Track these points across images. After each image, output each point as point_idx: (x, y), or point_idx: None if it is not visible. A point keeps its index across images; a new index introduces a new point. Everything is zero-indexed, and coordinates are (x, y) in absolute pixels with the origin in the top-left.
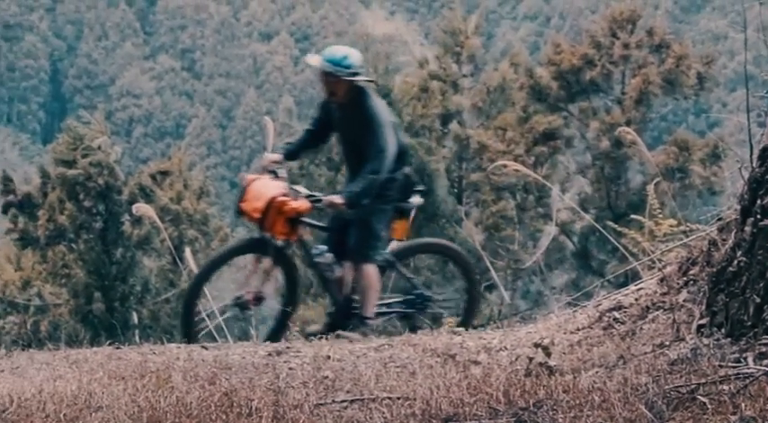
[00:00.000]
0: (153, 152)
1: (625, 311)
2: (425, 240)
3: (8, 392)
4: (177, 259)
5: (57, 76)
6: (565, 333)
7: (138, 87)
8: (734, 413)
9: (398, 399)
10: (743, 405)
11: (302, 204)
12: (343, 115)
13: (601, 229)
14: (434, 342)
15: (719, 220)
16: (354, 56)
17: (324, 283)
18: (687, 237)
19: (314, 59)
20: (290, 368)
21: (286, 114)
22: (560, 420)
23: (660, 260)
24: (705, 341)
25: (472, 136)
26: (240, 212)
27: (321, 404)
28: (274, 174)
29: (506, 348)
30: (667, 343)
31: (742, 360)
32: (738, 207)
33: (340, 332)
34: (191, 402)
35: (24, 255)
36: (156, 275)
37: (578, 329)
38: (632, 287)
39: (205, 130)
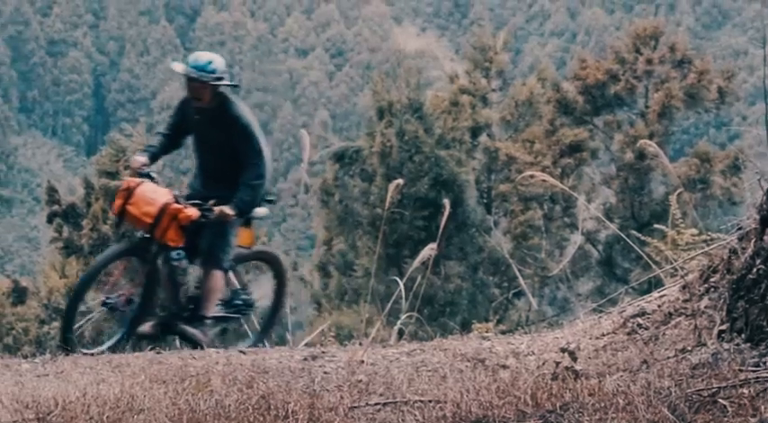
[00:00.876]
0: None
1: (648, 317)
2: (260, 248)
3: (53, 396)
4: None
5: (100, 91)
6: (590, 338)
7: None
8: (753, 415)
9: (430, 402)
10: (762, 408)
11: (194, 212)
12: (206, 120)
13: (625, 238)
14: (464, 347)
15: (739, 229)
16: (218, 61)
17: (171, 284)
18: (708, 245)
19: (178, 66)
20: (325, 372)
21: (321, 127)
22: (586, 422)
23: (682, 268)
24: (725, 346)
25: (501, 148)
26: (122, 215)
27: (355, 407)
28: (150, 177)
29: (534, 353)
30: (689, 348)
31: (761, 364)
32: (758, 217)
33: (186, 330)
34: (229, 405)
35: (69, 263)
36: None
37: (603, 335)
38: (655, 294)
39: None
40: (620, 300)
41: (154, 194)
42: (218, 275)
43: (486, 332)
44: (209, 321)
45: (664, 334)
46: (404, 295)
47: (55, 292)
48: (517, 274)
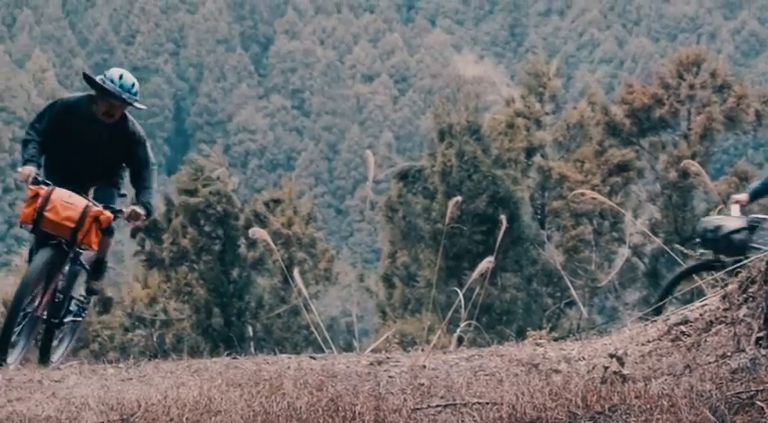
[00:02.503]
0: (266, 182)
1: (691, 325)
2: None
3: (136, 398)
4: (288, 278)
5: (180, 114)
6: (637, 345)
7: (253, 124)
8: None
9: (487, 404)
10: None
11: (110, 214)
12: (104, 132)
13: (669, 251)
14: (519, 353)
15: None
16: (136, 82)
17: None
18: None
19: (109, 85)
20: (390, 376)
21: (386, 148)
22: None
23: (722, 279)
24: (763, 352)
25: (554, 167)
26: (37, 222)
27: (418, 409)
28: (47, 184)
29: (584, 358)
30: (729, 353)
31: None
32: None
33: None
34: (300, 407)
35: (151, 274)
36: (268, 293)
37: (649, 341)
38: (697, 303)
39: (313, 162)
40: (665, 309)
41: (71, 199)
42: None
43: (540, 339)
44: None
45: (705, 341)
46: (463, 305)
47: (138, 301)
48: (569, 284)
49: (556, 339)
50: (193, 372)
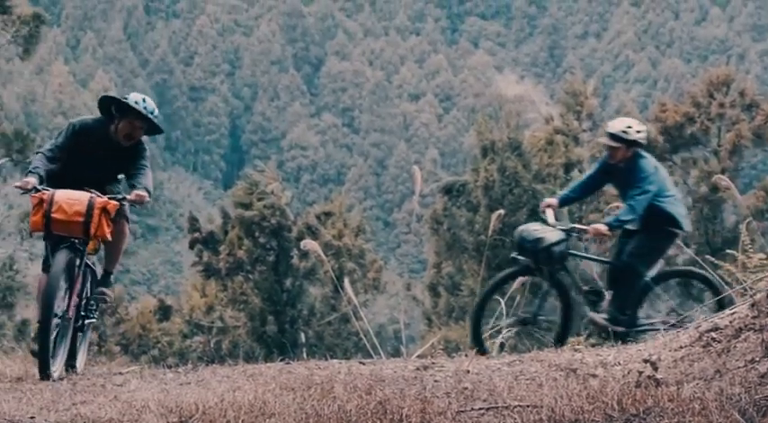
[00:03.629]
0: (318, 196)
1: (721, 332)
2: None
3: (194, 401)
4: (338, 288)
5: (235, 131)
6: (670, 350)
7: (305, 141)
8: None
9: (528, 406)
10: None
11: (116, 203)
12: (117, 152)
13: (701, 261)
14: (558, 358)
15: None
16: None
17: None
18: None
19: (137, 106)
20: (435, 381)
21: (431, 164)
22: None
23: (751, 288)
24: None
25: None
26: (47, 226)
27: (462, 411)
28: (46, 190)
29: (620, 364)
30: (757, 359)
31: None
32: None
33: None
34: (350, 410)
35: (208, 284)
36: (320, 301)
37: (681, 347)
38: (727, 311)
39: (362, 177)
40: (696, 317)
41: (74, 195)
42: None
43: (578, 345)
44: None
45: (735, 346)
46: (505, 313)
47: (196, 309)
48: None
49: (593, 346)
50: (248, 376)
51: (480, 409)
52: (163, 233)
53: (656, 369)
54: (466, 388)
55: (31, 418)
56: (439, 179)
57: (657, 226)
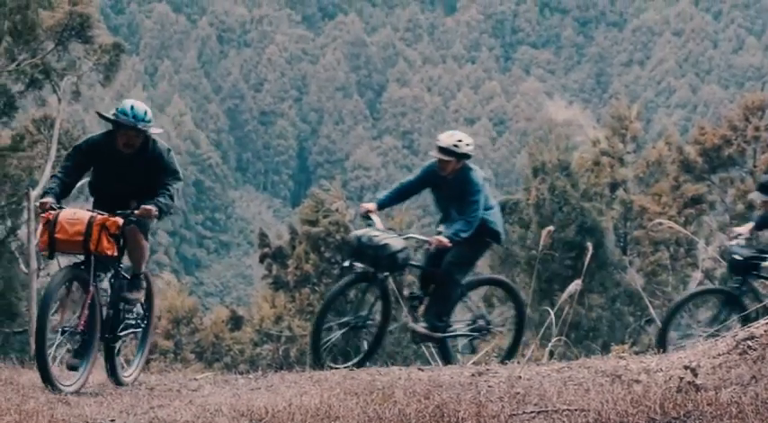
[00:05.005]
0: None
1: (757, 340)
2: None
3: (264, 405)
4: (399, 298)
5: (303, 153)
6: (708, 358)
7: (368, 161)
8: None
9: (576, 410)
10: None
11: (119, 220)
12: (130, 160)
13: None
14: (604, 365)
15: None
16: (148, 109)
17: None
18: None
19: (123, 119)
20: (489, 386)
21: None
22: None
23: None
24: None
25: (635, 200)
26: (52, 246)
27: (514, 415)
28: (59, 208)
29: (662, 370)
30: None
31: None
32: None
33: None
34: (410, 414)
35: (277, 295)
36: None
37: (719, 355)
38: (762, 321)
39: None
40: (733, 326)
41: (75, 215)
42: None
43: (623, 353)
44: None
45: None
46: (554, 322)
47: (266, 319)
48: (648, 304)
49: (636, 353)
50: (315, 382)
51: (531, 412)
52: (235, 248)
53: (695, 375)
54: (518, 393)
55: (112, 420)
56: (494, 197)
57: (479, 237)
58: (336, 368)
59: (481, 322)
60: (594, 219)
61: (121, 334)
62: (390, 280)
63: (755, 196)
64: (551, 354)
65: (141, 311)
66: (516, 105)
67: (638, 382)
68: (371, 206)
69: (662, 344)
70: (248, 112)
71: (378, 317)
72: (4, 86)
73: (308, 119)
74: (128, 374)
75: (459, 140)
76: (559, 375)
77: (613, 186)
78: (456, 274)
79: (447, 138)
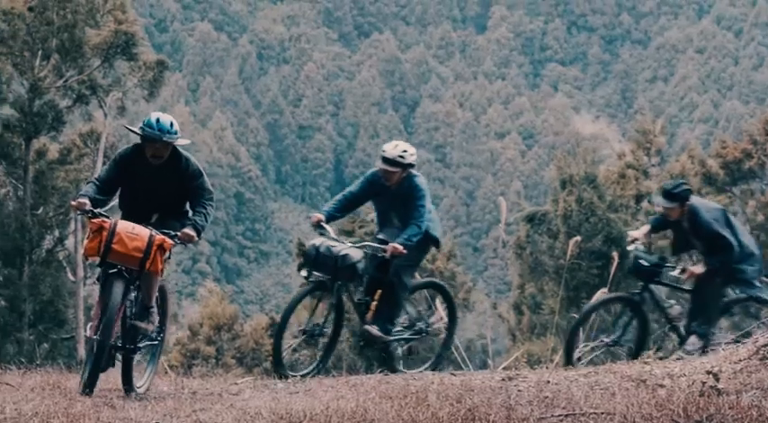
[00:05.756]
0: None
1: None
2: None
3: (302, 409)
4: (432, 306)
5: (339, 166)
6: (730, 363)
7: None
8: None
9: (602, 413)
10: None
11: (171, 241)
12: (159, 173)
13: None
14: (630, 370)
15: None
16: (175, 121)
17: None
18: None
19: (149, 131)
20: (519, 390)
21: (515, 195)
22: None
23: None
24: None
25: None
26: (105, 254)
27: (542, 418)
28: (105, 216)
29: (685, 375)
30: None
31: None
32: None
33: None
34: (442, 417)
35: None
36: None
37: (740, 360)
38: None
39: (453, 207)
40: (754, 332)
41: (135, 230)
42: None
43: (647, 359)
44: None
45: None
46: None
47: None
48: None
49: (661, 359)
50: (351, 386)
51: (559, 415)
52: (274, 257)
53: (717, 380)
54: (546, 397)
55: None
56: (522, 209)
57: (422, 242)
58: (295, 376)
59: (421, 325)
60: (620, 229)
61: (140, 346)
62: (344, 288)
63: (659, 201)
64: (579, 359)
65: (158, 324)
66: (545, 120)
67: (662, 386)
68: (321, 217)
69: (569, 353)
70: (287, 126)
71: (331, 325)
72: (52, 102)
73: (344, 133)
74: (139, 385)
75: (405, 151)
76: (586, 380)
77: (638, 198)
78: (405, 278)
79: (392, 149)
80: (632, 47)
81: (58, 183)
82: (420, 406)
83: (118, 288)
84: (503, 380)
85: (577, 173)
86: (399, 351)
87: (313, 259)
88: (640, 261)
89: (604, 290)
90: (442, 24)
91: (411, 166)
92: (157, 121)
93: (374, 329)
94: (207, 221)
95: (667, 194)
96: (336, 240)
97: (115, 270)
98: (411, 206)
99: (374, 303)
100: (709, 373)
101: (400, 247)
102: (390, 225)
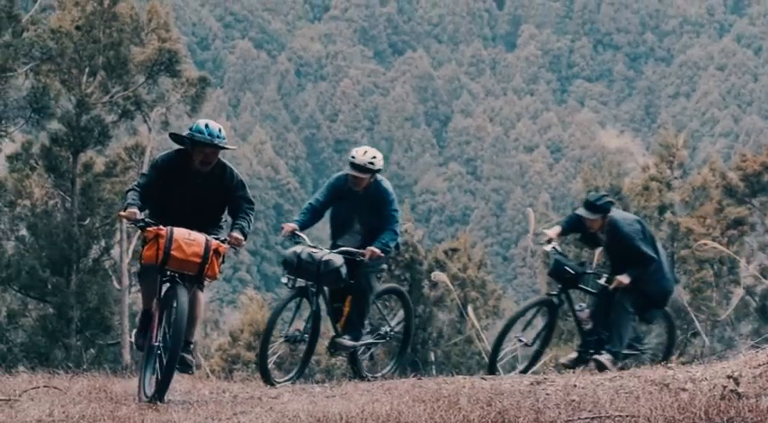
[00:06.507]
0: (445, 234)
1: None
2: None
3: (338, 412)
4: (463, 313)
5: None
6: (750, 368)
7: (435, 186)
8: None
9: (627, 416)
10: None
11: (225, 246)
12: (202, 181)
13: None
14: (653, 374)
15: None
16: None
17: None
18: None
19: (200, 136)
20: (547, 394)
21: (543, 206)
22: None
23: None
24: None
25: (681, 222)
26: (165, 261)
27: (570, 420)
28: (147, 224)
29: (706, 379)
30: None
31: None
32: None
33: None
34: (473, 419)
35: None
36: (447, 326)
37: (760, 365)
38: None
39: (484, 218)
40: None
41: (191, 236)
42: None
43: (670, 364)
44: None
45: None
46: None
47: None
48: (694, 318)
49: (683, 364)
50: (385, 390)
51: (586, 418)
52: None
53: (737, 384)
54: (573, 400)
55: None
56: (550, 220)
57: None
58: (280, 383)
59: (385, 329)
60: None
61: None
62: (322, 295)
63: (582, 212)
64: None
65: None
66: (572, 134)
67: (684, 390)
68: (295, 226)
69: (493, 360)
70: (324, 140)
71: (309, 331)
72: (98, 117)
73: (379, 146)
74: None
75: (374, 157)
76: (612, 384)
77: (662, 209)
78: (373, 284)
79: (362, 155)
80: (656, 64)
81: (104, 194)
82: (452, 409)
83: (183, 296)
84: (531, 384)
85: (603, 185)
86: (364, 356)
87: (295, 266)
88: (566, 267)
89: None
90: (473, 42)
91: (378, 171)
92: (206, 126)
93: (346, 341)
94: (250, 228)
95: (591, 206)
96: (315, 247)
97: (170, 277)
98: (383, 212)
99: (346, 310)
100: (729, 377)
101: (378, 251)
102: (350, 230)
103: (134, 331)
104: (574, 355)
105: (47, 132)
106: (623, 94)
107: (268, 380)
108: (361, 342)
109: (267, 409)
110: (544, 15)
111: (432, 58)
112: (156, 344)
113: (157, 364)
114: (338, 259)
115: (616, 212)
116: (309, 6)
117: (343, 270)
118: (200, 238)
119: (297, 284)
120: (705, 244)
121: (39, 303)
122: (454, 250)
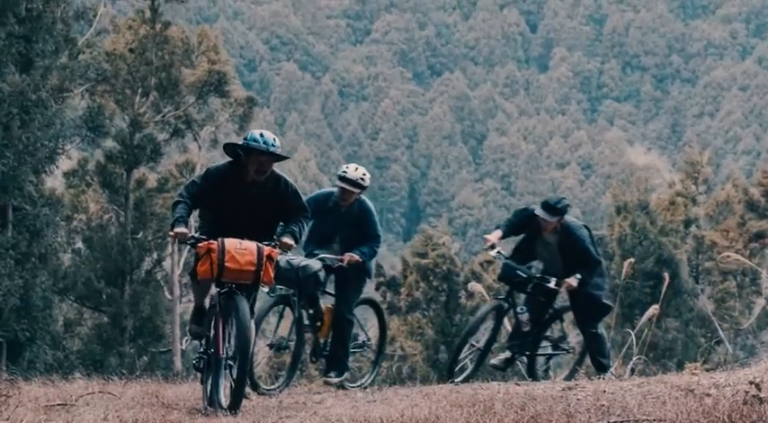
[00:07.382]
0: (481, 247)
1: None
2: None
3: (379, 416)
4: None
5: (413, 194)
6: None
7: (471, 202)
8: None
9: (654, 420)
10: None
11: (277, 251)
12: (256, 191)
13: None
14: (679, 381)
15: None
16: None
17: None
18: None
19: (255, 144)
20: (578, 399)
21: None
22: None
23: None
24: None
25: (706, 236)
26: (220, 274)
27: None
28: (197, 240)
29: (730, 385)
30: None
31: None
32: None
33: None
34: None
35: (391, 319)
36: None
37: None
38: None
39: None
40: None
41: (242, 245)
42: None
43: (695, 370)
44: None
45: None
46: (635, 343)
47: None
48: (717, 327)
49: (707, 370)
50: (424, 395)
51: (615, 422)
52: None
53: (759, 389)
54: (603, 405)
55: None
56: None
57: (363, 273)
58: (268, 390)
59: (362, 338)
60: (670, 252)
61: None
62: (303, 302)
63: (540, 213)
64: (632, 371)
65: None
66: (601, 152)
67: (708, 395)
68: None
69: (451, 368)
70: (365, 157)
71: (294, 338)
72: (151, 135)
73: (418, 164)
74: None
75: (364, 174)
76: (639, 390)
77: (687, 223)
78: (352, 319)
79: (353, 171)
80: (681, 85)
81: (156, 209)
82: (487, 413)
83: (244, 306)
84: (563, 390)
85: (631, 200)
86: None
87: (292, 274)
88: (518, 272)
89: (656, 306)
90: (507, 64)
91: (366, 188)
92: (261, 135)
93: (334, 379)
94: (301, 233)
95: (550, 208)
96: (294, 254)
97: (227, 289)
98: (365, 230)
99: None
100: (751, 383)
101: (357, 257)
102: (328, 246)
103: (188, 326)
104: (507, 354)
105: (102, 150)
106: (650, 113)
107: (255, 387)
108: (347, 374)
109: (311, 414)
110: (575, 38)
111: (468, 79)
112: (223, 356)
113: (228, 376)
114: (316, 264)
115: (568, 217)
116: (352, 30)
117: (322, 274)
118: (251, 246)
119: (277, 292)
120: (728, 256)
121: (94, 313)
122: (489, 262)
